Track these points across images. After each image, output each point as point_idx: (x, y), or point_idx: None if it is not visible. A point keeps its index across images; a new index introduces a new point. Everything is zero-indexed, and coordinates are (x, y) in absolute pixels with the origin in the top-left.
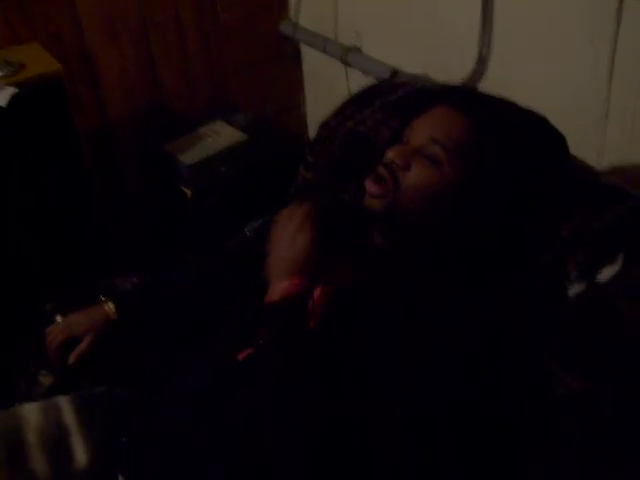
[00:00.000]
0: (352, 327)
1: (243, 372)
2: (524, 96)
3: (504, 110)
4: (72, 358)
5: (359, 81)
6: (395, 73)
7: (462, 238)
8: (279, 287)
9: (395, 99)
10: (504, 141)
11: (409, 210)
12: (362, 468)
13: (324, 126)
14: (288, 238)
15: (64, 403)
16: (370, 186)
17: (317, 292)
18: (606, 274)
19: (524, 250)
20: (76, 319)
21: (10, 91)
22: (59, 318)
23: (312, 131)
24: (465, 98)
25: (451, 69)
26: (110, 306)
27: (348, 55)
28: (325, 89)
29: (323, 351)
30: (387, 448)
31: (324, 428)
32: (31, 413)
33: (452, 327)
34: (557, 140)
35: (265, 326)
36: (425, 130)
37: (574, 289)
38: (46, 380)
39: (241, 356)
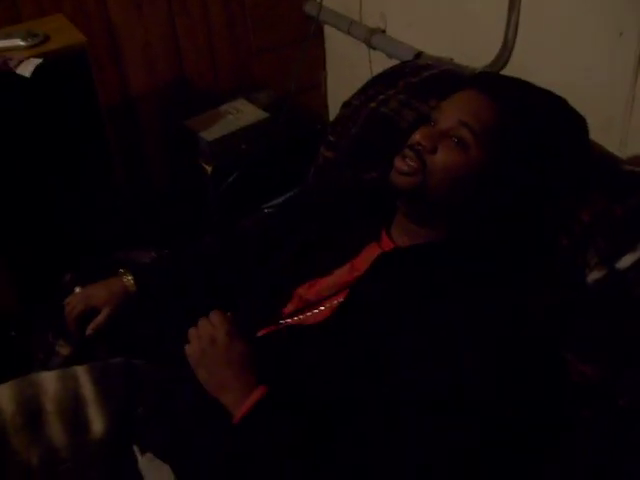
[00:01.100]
0: (370, 321)
1: (263, 351)
2: (548, 82)
3: (527, 93)
4: (89, 329)
5: (382, 63)
6: (419, 55)
7: (485, 221)
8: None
9: (419, 81)
10: (528, 125)
11: (434, 191)
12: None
13: (346, 105)
14: (223, 349)
15: (81, 373)
16: (399, 163)
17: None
18: (626, 261)
19: (543, 234)
20: (95, 291)
21: (34, 62)
22: (78, 289)
23: (333, 112)
24: (491, 82)
25: (476, 53)
26: (129, 279)
27: (372, 37)
28: (347, 70)
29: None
30: (403, 445)
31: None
32: (49, 381)
33: (473, 319)
34: (578, 121)
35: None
36: (453, 113)
37: (593, 275)
38: (64, 350)
39: (260, 333)
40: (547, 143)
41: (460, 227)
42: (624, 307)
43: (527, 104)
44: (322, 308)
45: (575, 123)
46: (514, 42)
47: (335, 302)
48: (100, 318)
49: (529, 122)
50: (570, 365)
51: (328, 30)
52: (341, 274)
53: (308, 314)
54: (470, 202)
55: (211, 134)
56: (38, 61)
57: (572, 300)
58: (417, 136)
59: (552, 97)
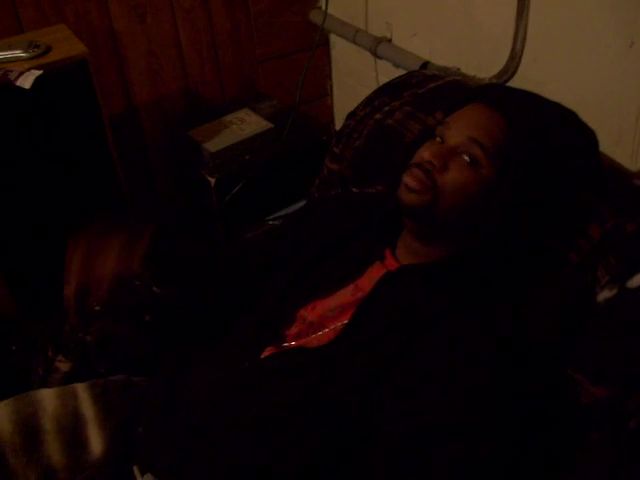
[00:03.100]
0: (375, 343)
1: (266, 372)
2: (557, 94)
3: (537, 107)
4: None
5: (388, 73)
6: (425, 65)
7: (493, 239)
8: None
9: (425, 92)
10: (539, 140)
11: (444, 210)
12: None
13: (351, 117)
14: None
15: (81, 390)
16: (409, 180)
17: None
18: (637, 280)
19: (552, 251)
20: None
21: (34, 74)
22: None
23: (339, 122)
24: (499, 95)
25: (483, 63)
26: None
27: (378, 46)
28: (353, 80)
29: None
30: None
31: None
32: (48, 399)
33: (480, 338)
34: (589, 135)
35: None
36: (462, 129)
37: (604, 294)
38: (64, 366)
39: (263, 355)
40: (557, 158)
41: (467, 246)
42: (636, 327)
43: (537, 118)
44: (326, 330)
45: (586, 137)
46: (522, 52)
47: (339, 324)
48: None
49: (540, 137)
50: (580, 387)
51: (334, 39)
52: (345, 295)
53: (312, 336)
54: (479, 220)
55: (215, 145)
56: (38, 72)
57: (582, 319)
58: (426, 154)
59: (562, 110)
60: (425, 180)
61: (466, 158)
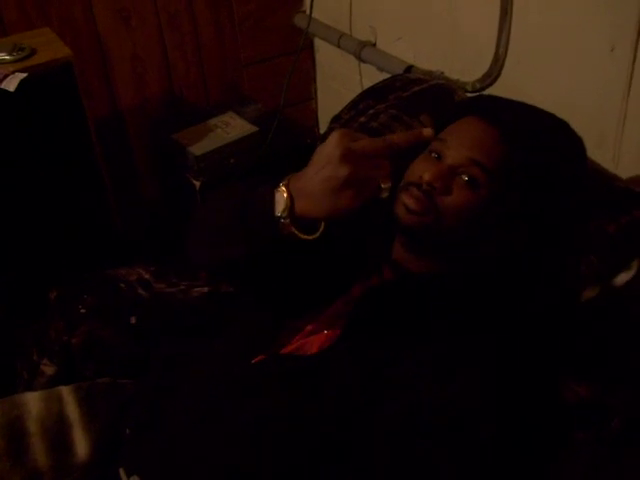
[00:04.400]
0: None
1: (256, 378)
2: (540, 97)
3: (533, 120)
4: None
5: (372, 76)
6: (409, 69)
7: (489, 253)
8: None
9: (409, 95)
10: (536, 157)
11: (444, 230)
12: None
13: (336, 120)
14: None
15: (66, 393)
16: (408, 201)
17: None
18: (620, 280)
19: (542, 260)
20: None
21: (19, 77)
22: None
23: (323, 125)
24: (495, 109)
25: (466, 67)
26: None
27: (362, 50)
28: (337, 83)
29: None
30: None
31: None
32: (33, 402)
33: (472, 345)
34: (580, 145)
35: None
36: (461, 148)
37: (586, 294)
38: (49, 370)
39: (254, 360)
40: (554, 171)
41: (462, 259)
42: (618, 326)
43: (534, 133)
44: (318, 338)
45: (577, 147)
46: (505, 56)
47: (332, 332)
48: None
49: (537, 154)
50: (565, 385)
51: (318, 43)
52: (339, 305)
53: (304, 344)
54: (475, 236)
55: (199, 148)
56: (23, 75)
57: (566, 319)
58: (426, 175)
59: (556, 122)
60: (426, 202)
61: (465, 178)
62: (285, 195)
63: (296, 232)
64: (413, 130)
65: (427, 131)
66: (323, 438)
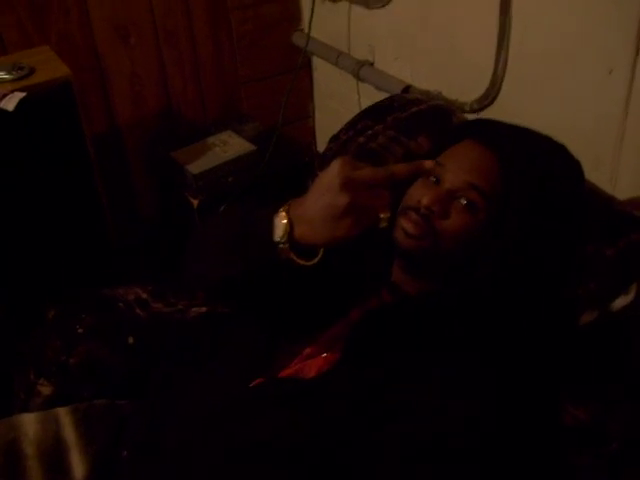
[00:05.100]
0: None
1: (255, 400)
2: (537, 119)
3: (530, 145)
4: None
5: (370, 95)
6: (407, 88)
7: (487, 276)
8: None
9: (407, 116)
10: (534, 181)
11: (442, 253)
12: None
13: (334, 140)
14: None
15: (63, 415)
16: (407, 225)
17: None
18: (618, 304)
19: (540, 283)
20: None
21: (18, 96)
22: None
23: (320, 143)
24: (493, 134)
25: (464, 88)
26: None
27: (360, 69)
28: (336, 102)
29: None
30: None
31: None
32: (29, 424)
33: (469, 367)
34: (577, 169)
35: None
36: (459, 172)
37: (585, 318)
38: (46, 390)
39: (253, 384)
40: (552, 196)
41: (460, 281)
42: (616, 350)
43: (532, 158)
44: (317, 360)
45: (575, 170)
46: (503, 78)
47: (331, 356)
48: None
49: (536, 179)
50: (563, 409)
51: (316, 61)
52: (338, 328)
53: (303, 367)
54: (473, 258)
55: (197, 167)
56: (22, 95)
57: (565, 342)
58: (425, 199)
59: (554, 145)
60: (424, 226)
61: (464, 202)
62: (285, 221)
63: (294, 258)
64: (414, 162)
65: (428, 163)
66: (323, 460)
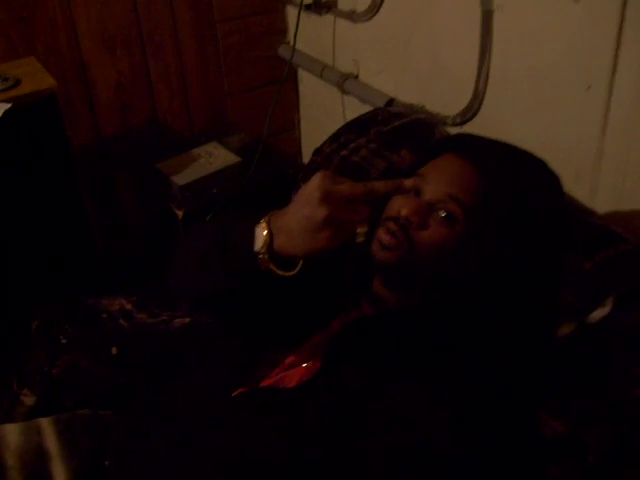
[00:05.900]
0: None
1: (237, 410)
2: (518, 133)
3: (511, 159)
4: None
5: (355, 108)
6: (391, 102)
7: (465, 290)
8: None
9: (390, 129)
10: (514, 195)
11: (418, 265)
12: None
13: (318, 152)
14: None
15: (46, 425)
16: (384, 236)
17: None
18: (595, 316)
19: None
20: None
21: (3, 107)
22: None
23: (306, 155)
24: (474, 148)
25: (447, 102)
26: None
27: (345, 82)
28: (321, 114)
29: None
30: None
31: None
32: (11, 434)
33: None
34: (557, 184)
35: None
36: (440, 184)
37: (562, 330)
38: (29, 400)
39: (234, 394)
40: (531, 210)
41: (439, 294)
42: (593, 362)
43: (511, 173)
44: (297, 370)
45: (555, 186)
46: (484, 92)
47: (312, 366)
48: None
49: (514, 192)
50: (541, 420)
51: (302, 74)
52: (318, 338)
53: (284, 376)
54: (452, 273)
55: (182, 178)
56: (7, 106)
57: (542, 355)
58: (404, 210)
59: (534, 161)
60: (400, 236)
61: (443, 214)
62: (265, 231)
63: (274, 268)
64: (395, 180)
65: (408, 182)
66: (307, 471)
